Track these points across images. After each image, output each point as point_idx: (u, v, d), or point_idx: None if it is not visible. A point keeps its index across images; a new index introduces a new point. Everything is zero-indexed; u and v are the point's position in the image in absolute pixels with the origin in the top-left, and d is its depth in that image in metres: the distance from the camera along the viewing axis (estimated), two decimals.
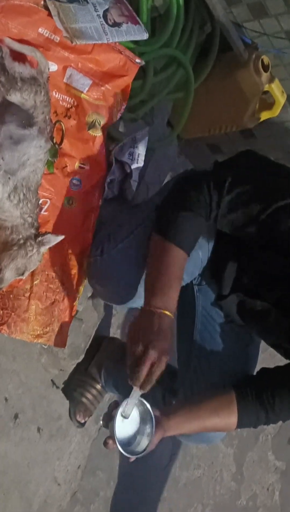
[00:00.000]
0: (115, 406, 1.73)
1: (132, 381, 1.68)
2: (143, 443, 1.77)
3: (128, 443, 1.76)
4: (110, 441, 1.71)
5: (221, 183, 1.81)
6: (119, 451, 1.70)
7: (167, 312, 1.75)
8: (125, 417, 1.72)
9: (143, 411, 1.77)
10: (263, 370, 2.01)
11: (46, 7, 1.92)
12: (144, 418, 1.77)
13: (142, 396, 1.74)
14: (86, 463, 2.50)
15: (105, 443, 1.73)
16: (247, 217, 1.79)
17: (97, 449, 2.54)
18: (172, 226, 1.83)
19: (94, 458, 2.53)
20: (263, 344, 2.17)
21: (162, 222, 1.86)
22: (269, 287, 1.89)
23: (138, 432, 1.78)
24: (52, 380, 2.32)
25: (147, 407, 1.76)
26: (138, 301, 1.97)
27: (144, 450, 1.75)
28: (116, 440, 1.69)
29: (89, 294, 2.30)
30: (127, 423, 1.75)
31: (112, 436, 1.70)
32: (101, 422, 1.82)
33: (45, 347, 2.20)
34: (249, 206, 1.78)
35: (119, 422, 1.71)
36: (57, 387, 2.35)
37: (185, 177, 1.98)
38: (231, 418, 1.91)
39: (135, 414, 1.78)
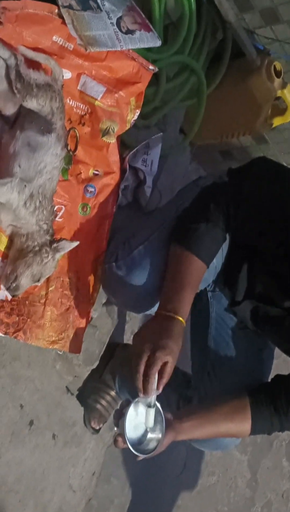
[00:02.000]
0: (126, 404, 1.73)
1: (140, 390, 1.68)
2: (153, 443, 1.76)
3: (138, 442, 1.75)
4: (120, 439, 1.71)
5: (238, 193, 1.83)
6: (129, 450, 1.70)
7: (178, 317, 1.76)
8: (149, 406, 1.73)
9: (154, 411, 1.76)
10: (278, 376, 2.00)
11: (60, 15, 1.94)
12: (155, 417, 1.77)
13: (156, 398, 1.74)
14: (101, 470, 2.50)
15: (115, 441, 1.73)
16: (263, 226, 1.81)
17: (112, 456, 2.54)
18: (192, 237, 1.85)
19: (108, 465, 2.53)
20: (277, 351, 2.16)
21: (182, 232, 1.88)
22: (283, 294, 1.88)
23: (148, 432, 1.77)
24: (66, 387, 2.32)
25: (158, 407, 1.75)
26: (153, 307, 1.98)
27: (153, 450, 1.75)
28: (125, 438, 1.69)
29: (104, 301, 2.30)
30: (137, 422, 1.75)
31: (122, 434, 1.70)
32: (113, 420, 1.81)
33: (60, 353, 2.21)
34: (265, 215, 1.78)
35: (129, 420, 1.71)
36: (72, 394, 2.34)
37: (204, 189, 1.98)
38: (244, 424, 1.90)
39: (145, 413, 1.77)
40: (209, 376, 2.11)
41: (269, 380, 2.05)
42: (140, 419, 1.75)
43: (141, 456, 1.74)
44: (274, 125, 2.70)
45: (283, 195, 1.83)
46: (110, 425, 2.44)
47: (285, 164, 2.56)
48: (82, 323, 2.13)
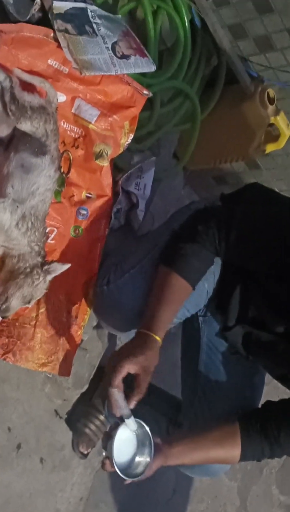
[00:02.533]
0: (115, 426, 1.72)
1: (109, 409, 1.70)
2: (141, 466, 1.74)
3: (125, 466, 1.73)
4: (108, 462, 1.69)
5: (230, 217, 1.84)
6: (117, 474, 1.67)
7: (152, 334, 1.79)
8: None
9: (142, 434, 1.75)
10: (268, 403, 1.99)
11: (55, 39, 1.95)
12: (143, 441, 1.75)
13: (145, 422, 1.73)
14: (89, 495, 2.47)
15: (103, 464, 1.71)
16: (256, 248, 1.80)
17: (100, 481, 2.51)
18: (177, 257, 1.86)
19: (96, 490, 2.50)
20: (267, 376, 2.15)
21: (170, 253, 1.89)
22: (276, 319, 1.88)
23: (136, 455, 1.75)
24: (55, 410, 2.30)
25: (146, 430, 1.74)
26: None
27: (141, 473, 1.73)
28: (113, 461, 1.67)
29: (94, 324, 2.30)
30: (126, 445, 1.73)
31: (109, 456, 1.68)
32: (101, 443, 1.79)
33: (50, 376, 2.19)
34: (258, 237, 1.79)
35: (117, 443, 1.68)
36: (61, 417, 2.33)
37: (195, 212, 1.98)
38: (234, 450, 1.89)
39: (134, 437, 1.76)
40: (199, 401, 2.11)
41: (260, 406, 2.04)
42: (128, 442, 1.74)
43: (129, 480, 1.73)
44: (267, 152, 2.72)
45: (276, 218, 1.83)
46: (98, 450, 2.42)
47: (277, 190, 2.56)
48: (72, 345, 2.12)
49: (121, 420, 1.70)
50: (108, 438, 1.70)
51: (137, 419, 1.73)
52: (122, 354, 1.74)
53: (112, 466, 1.67)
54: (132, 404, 1.70)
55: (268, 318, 1.89)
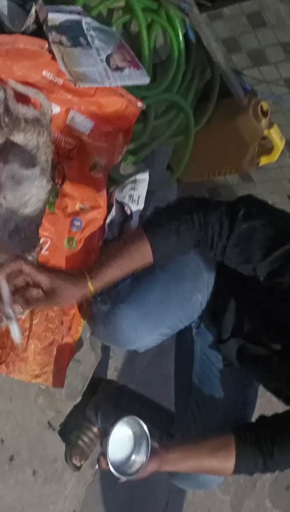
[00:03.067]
0: (112, 423, 1.71)
1: None
2: (136, 464, 1.73)
3: (120, 464, 1.73)
4: (102, 458, 1.68)
5: (234, 213, 1.74)
6: (112, 474, 1.67)
7: (89, 280, 1.70)
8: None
9: (140, 433, 1.75)
10: (262, 417, 1.98)
11: (50, 51, 1.96)
12: (140, 439, 1.75)
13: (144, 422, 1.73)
14: (81, 508, 2.46)
15: (98, 460, 1.70)
16: (257, 253, 1.72)
17: (93, 494, 2.50)
18: (159, 230, 1.76)
19: (89, 503, 2.49)
20: (260, 389, 2.15)
21: (154, 222, 1.79)
22: (272, 335, 1.87)
23: (132, 453, 1.75)
24: (48, 422, 2.30)
25: (144, 429, 1.73)
26: (138, 343, 1.97)
27: (136, 472, 1.72)
28: (107, 458, 1.66)
29: (88, 335, 2.29)
30: (122, 442, 1.73)
31: (104, 453, 1.67)
32: (98, 439, 1.78)
33: (43, 387, 2.19)
34: (260, 242, 1.72)
35: (113, 440, 1.68)
36: (54, 429, 2.32)
37: (199, 199, 1.85)
38: (228, 462, 1.88)
39: (131, 435, 1.76)
40: (192, 414, 2.10)
41: (253, 419, 2.03)
42: (125, 440, 1.73)
43: (123, 478, 1.72)
44: (260, 164, 2.73)
45: (276, 228, 1.83)
46: (91, 462, 2.41)
47: (270, 203, 2.57)
48: (65, 357, 2.12)
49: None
50: (105, 434, 1.69)
51: (136, 418, 1.74)
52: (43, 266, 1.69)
53: (107, 463, 1.66)
54: (16, 308, 1.63)
55: (263, 333, 1.89)
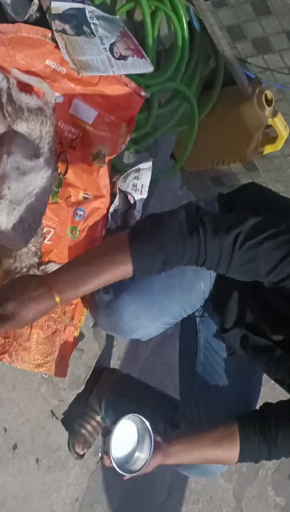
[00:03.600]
0: (114, 421, 1.73)
1: None
2: (140, 462, 1.75)
3: (124, 460, 1.74)
4: (105, 456, 1.70)
5: (235, 239, 1.58)
6: (115, 470, 1.68)
7: (56, 296, 1.55)
8: None
9: (143, 429, 1.76)
10: (266, 405, 1.99)
11: (53, 40, 1.95)
12: (143, 435, 1.76)
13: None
14: (84, 496, 2.47)
15: (102, 458, 1.72)
16: (262, 269, 1.61)
17: (96, 482, 2.51)
18: (146, 242, 1.59)
19: (92, 491, 2.50)
20: (264, 377, 2.16)
21: (142, 229, 1.62)
22: (274, 327, 1.87)
23: (135, 449, 1.76)
24: (51, 411, 2.30)
25: (146, 425, 1.75)
26: (140, 332, 1.97)
27: (140, 469, 1.73)
28: (111, 456, 1.67)
29: (91, 324, 2.30)
30: (125, 440, 1.74)
31: (107, 451, 1.68)
32: (101, 428, 1.79)
33: (46, 377, 2.19)
34: (266, 258, 1.60)
35: (116, 438, 1.69)
36: (57, 418, 2.32)
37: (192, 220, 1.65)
38: (232, 451, 1.89)
39: (134, 432, 1.77)
40: (196, 402, 2.10)
41: (258, 407, 2.04)
42: (127, 437, 1.75)
43: (127, 476, 1.73)
44: (264, 153, 2.72)
45: (275, 213, 1.82)
46: (94, 451, 2.42)
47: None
48: (68, 346, 2.12)
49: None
50: (107, 432, 1.70)
51: (138, 415, 1.74)
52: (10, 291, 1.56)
53: (111, 461, 1.67)
54: None
55: (265, 325, 1.88)
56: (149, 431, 1.74)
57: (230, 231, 1.57)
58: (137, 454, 1.76)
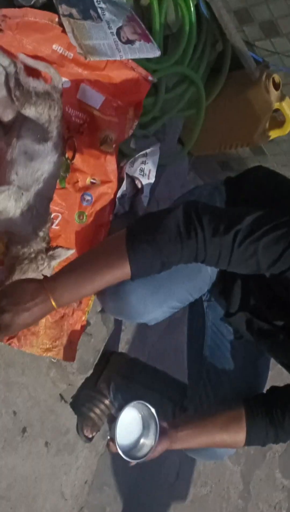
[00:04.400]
0: (119, 408, 1.74)
1: None
2: (146, 448, 1.76)
3: (130, 447, 1.76)
4: (111, 443, 1.71)
5: (234, 238, 1.58)
6: (121, 455, 1.70)
7: (52, 301, 1.58)
8: None
9: (148, 416, 1.77)
10: (273, 388, 2.00)
11: (60, 24, 1.95)
12: (148, 422, 1.77)
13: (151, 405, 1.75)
14: (93, 478, 2.49)
15: (108, 445, 1.73)
16: (264, 263, 1.60)
17: (104, 465, 2.53)
18: (145, 243, 1.59)
19: (101, 473, 2.52)
20: (271, 361, 2.16)
21: (139, 230, 1.62)
22: (276, 312, 1.87)
23: (141, 436, 1.77)
24: (60, 395, 2.32)
25: (152, 412, 1.76)
26: (147, 316, 1.98)
27: (145, 455, 1.75)
28: (116, 442, 1.68)
29: (99, 309, 2.31)
30: (131, 426, 1.75)
31: (113, 438, 1.69)
32: (107, 424, 1.81)
33: (54, 361, 2.21)
34: (267, 252, 1.59)
35: (121, 425, 1.70)
36: (66, 402, 2.34)
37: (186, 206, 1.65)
38: (239, 435, 1.90)
39: (139, 419, 1.78)
40: (204, 385, 2.11)
41: (265, 391, 2.05)
42: (133, 424, 1.76)
43: (133, 462, 1.74)
44: (272, 137, 2.71)
45: (282, 199, 1.82)
46: (103, 434, 2.44)
47: None
48: (76, 331, 2.13)
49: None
50: (112, 420, 1.71)
51: (143, 402, 1.75)
52: (12, 302, 1.57)
53: (116, 448, 1.69)
54: None
55: (268, 310, 1.89)
56: (155, 417, 1.75)
57: (229, 230, 1.56)
58: (142, 440, 1.77)
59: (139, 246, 1.58)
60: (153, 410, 1.75)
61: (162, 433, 1.77)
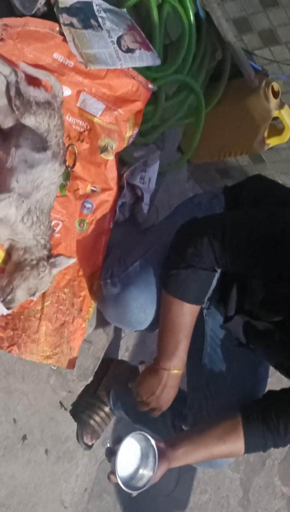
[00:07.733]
0: (118, 441, 1.75)
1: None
2: (145, 477, 1.78)
3: (130, 478, 1.78)
4: (113, 476, 1.74)
5: (218, 236, 1.77)
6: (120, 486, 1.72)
7: (175, 371, 1.93)
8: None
9: (146, 446, 1.78)
10: (269, 392, 2.00)
11: (61, 33, 1.96)
12: (147, 452, 1.79)
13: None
14: (93, 486, 2.49)
15: (108, 477, 1.76)
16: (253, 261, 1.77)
17: (104, 472, 2.52)
18: (176, 284, 1.87)
19: (101, 481, 2.52)
20: (271, 368, 2.17)
21: (167, 278, 1.90)
22: (269, 311, 1.88)
23: (140, 466, 1.79)
24: (60, 402, 2.32)
25: (150, 442, 1.77)
26: (147, 324, 1.98)
27: (146, 484, 1.77)
28: (117, 477, 1.71)
29: (99, 317, 2.31)
30: (129, 457, 1.77)
31: (113, 471, 1.72)
32: (105, 457, 1.83)
33: (54, 368, 2.21)
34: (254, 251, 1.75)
35: (121, 457, 1.72)
36: (65, 409, 2.34)
37: (182, 229, 1.92)
38: (237, 444, 1.90)
39: (137, 449, 1.79)
40: (204, 393, 2.11)
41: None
42: (132, 455, 1.78)
43: (134, 493, 1.78)
44: (271, 145, 2.72)
45: (280, 208, 1.83)
46: (103, 441, 2.44)
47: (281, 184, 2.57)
48: (77, 338, 2.14)
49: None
50: (112, 453, 1.73)
51: (142, 432, 1.77)
52: (158, 398, 1.97)
53: (117, 480, 1.72)
54: None
55: (261, 310, 1.89)
56: (153, 448, 1.77)
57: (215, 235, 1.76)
58: (141, 471, 1.79)
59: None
60: (152, 441, 1.77)
61: (160, 456, 1.79)
